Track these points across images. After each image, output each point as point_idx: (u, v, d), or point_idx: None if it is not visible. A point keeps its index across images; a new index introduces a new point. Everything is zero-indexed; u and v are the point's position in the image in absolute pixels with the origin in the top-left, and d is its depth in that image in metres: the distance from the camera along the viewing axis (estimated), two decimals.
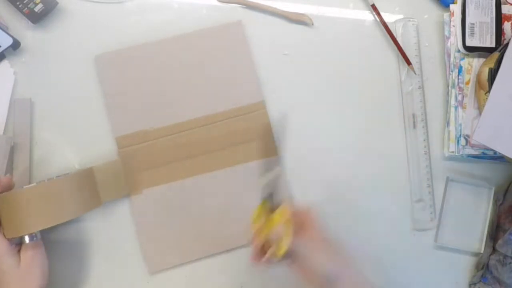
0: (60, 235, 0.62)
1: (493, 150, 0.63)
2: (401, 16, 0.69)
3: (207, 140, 0.63)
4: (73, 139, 0.64)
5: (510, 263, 0.63)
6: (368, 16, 0.69)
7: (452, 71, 0.67)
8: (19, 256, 0.54)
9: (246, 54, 0.65)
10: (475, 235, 0.68)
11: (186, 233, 0.63)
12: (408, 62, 0.68)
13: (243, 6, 0.67)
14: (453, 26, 0.67)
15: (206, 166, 0.63)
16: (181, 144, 0.63)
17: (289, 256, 0.50)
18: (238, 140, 0.64)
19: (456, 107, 0.67)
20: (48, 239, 0.60)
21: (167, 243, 0.63)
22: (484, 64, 0.65)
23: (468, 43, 0.66)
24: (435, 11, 0.70)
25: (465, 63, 0.67)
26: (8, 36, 0.61)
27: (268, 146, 0.64)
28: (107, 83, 0.63)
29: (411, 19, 0.69)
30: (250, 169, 0.64)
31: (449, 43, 0.68)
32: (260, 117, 0.64)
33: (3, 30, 0.61)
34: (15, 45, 0.62)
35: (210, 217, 0.63)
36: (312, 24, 0.68)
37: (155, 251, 0.62)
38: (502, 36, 0.66)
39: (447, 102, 0.68)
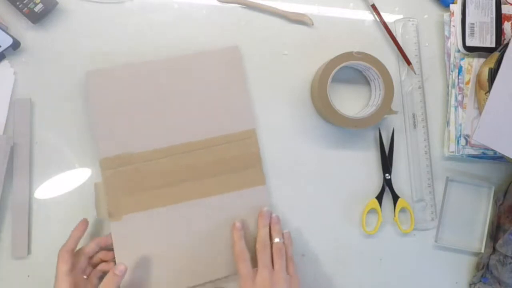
0: None
1: (493, 150, 0.63)
2: (401, 16, 0.69)
3: (194, 166, 0.61)
4: (73, 139, 0.64)
5: (510, 263, 0.63)
6: (368, 16, 0.69)
7: (452, 71, 0.67)
8: None
9: (241, 80, 0.64)
10: (475, 235, 0.68)
11: (169, 263, 0.60)
12: (408, 62, 0.68)
13: (243, 6, 0.67)
14: (453, 26, 0.67)
15: (192, 194, 0.61)
16: (167, 170, 0.61)
17: None
18: (226, 168, 0.62)
19: (456, 107, 0.67)
20: None
21: (149, 274, 0.60)
22: (484, 64, 0.65)
23: (468, 43, 0.66)
24: (435, 11, 0.70)
25: (465, 63, 0.67)
26: (8, 36, 0.61)
27: (256, 175, 0.63)
28: (95, 101, 0.61)
29: (411, 19, 0.69)
30: (237, 198, 0.62)
31: (449, 43, 0.68)
32: (250, 145, 0.63)
33: (3, 30, 0.61)
34: (15, 45, 0.62)
35: (194, 247, 0.61)
36: (312, 24, 0.68)
37: (137, 282, 0.60)
38: (502, 36, 0.66)
39: (447, 102, 0.68)
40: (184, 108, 0.62)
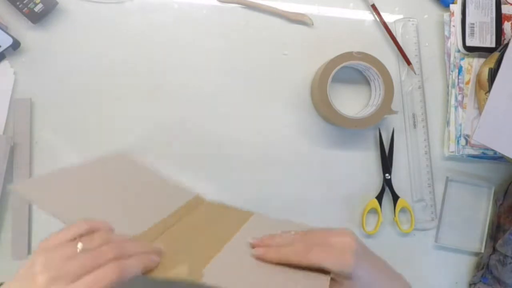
0: None
1: (493, 150, 0.63)
2: (401, 16, 0.69)
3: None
4: (73, 139, 0.64)
5: (510, 263, 0.63)
6: (368, 16, 0.69)
7: (452, 71, 0.67)
8: None
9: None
10: (475, 235, 0.68)
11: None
12: (408, 62, 0.68)
13: (243, 6, 0.67)
14: (453, 26, 0.67)
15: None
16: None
17: None
18: None
19: (456, 107, 0.67)
20: None
21: None
22: (484, 64, 0.65)
23: (468, 43, 0.66)
24: (435, 11, 0.70)
25: (465, 63, 0.67)
26: (8, 36, 0.61)
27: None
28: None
29: (411, 19, 0.69)
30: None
31: (449, 43, 0.68)
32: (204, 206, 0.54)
33: (3, 30, 0.61)
34: (15, 45, 0.62)
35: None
36: (312, 24, 0.68)
37: None
38: (502, 36, 0.66)
39: (447, 102, 0.68)
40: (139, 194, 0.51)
